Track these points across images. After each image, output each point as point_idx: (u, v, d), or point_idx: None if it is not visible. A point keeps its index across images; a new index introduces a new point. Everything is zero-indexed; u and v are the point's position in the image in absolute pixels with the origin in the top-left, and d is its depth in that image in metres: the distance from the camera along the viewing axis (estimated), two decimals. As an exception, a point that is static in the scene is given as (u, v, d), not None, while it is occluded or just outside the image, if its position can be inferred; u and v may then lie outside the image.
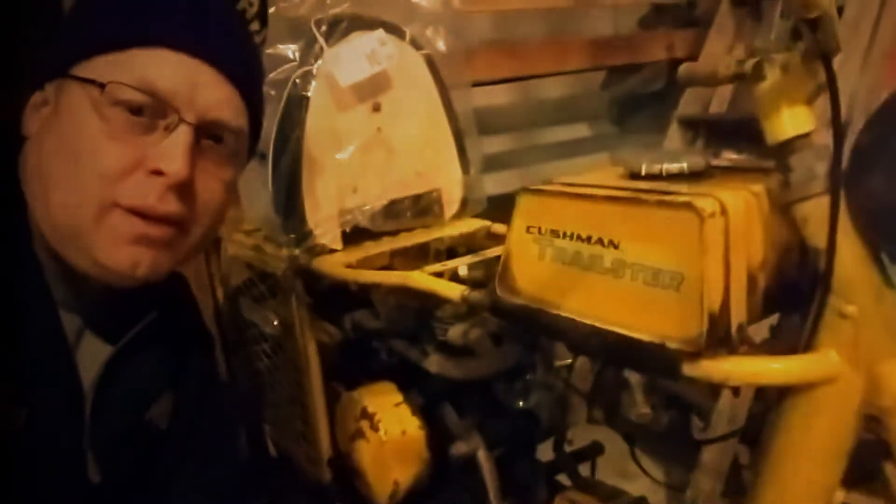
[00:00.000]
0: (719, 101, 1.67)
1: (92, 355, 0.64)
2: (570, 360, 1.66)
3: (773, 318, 0.63)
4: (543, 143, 2.36)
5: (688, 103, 1.75)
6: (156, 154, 0.57)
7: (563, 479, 1.09)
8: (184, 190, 0.59)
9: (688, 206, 0.53)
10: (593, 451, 1.16)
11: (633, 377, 1.82)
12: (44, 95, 0.60)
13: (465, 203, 1.16)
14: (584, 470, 1.13)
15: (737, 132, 0.73)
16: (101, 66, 0.57)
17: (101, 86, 0.56)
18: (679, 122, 1.71)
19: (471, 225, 1.14)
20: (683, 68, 0.70)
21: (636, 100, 2.35)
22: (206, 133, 0.60)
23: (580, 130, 2.46)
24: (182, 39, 0.58)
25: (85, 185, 0.56)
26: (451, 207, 1.15)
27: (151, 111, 0.58)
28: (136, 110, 0.57)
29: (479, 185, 1.17)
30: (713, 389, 1.43)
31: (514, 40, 2.14)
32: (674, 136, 1.61)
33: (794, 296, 0.60)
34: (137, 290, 0.63)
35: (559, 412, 1.05)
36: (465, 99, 1.18)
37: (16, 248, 0.59)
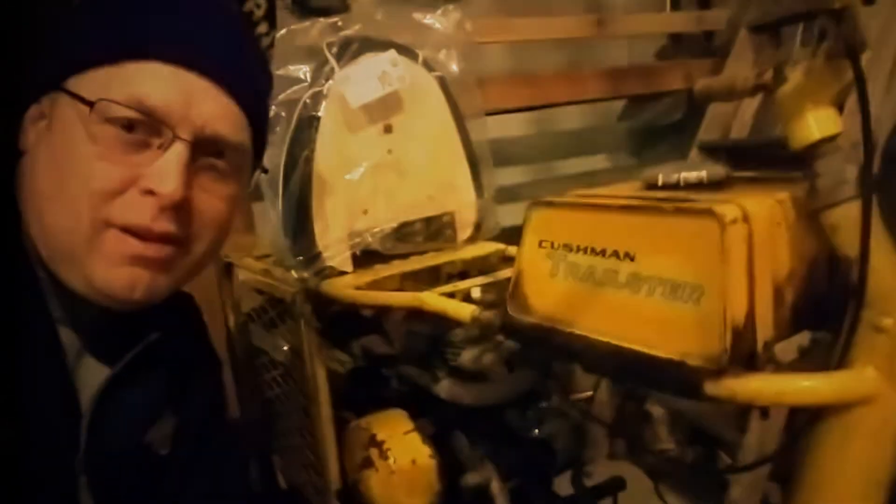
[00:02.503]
0: (740, 126, 1.64)
1: (91, 376, 0.61)
2: (590, 393, 1.62)
3: (802, 338, 0.59)
4: (560, 175, 2.34)
5: (708, 130, 1.72)
6: (149, 174, 0.56)
7: (582, 514, 1.05)
8: (180, 209, 0.57)
9: (708, 212, 0.50)
10: (615, 487, 1.11)
11: (657, 410, 1.77)
12: (40, 109, 0.59)
13: (478, 227, 1.14)
14: (604, 506, 1.08)
15: (759, 157, 0.71)
16: (94, 80, 0.56)
17: (90, 104, 0.55)
18: (700, 148, 1.68)
19: (484, 248, 1.11)
20: (700, 84, 0.68)
21: (654, 131, 2.34)
22: (204, 149, 0.59)
23: (598, 162, 2.44)
24: (175, 51, 0.57)
25: (76, 206, 0.55)
26: (464, 231, 1.13)
27: (144, 128, 0.56)
28: (128, 127, 0.56)
29: (493, 209, 1.15)
30: (739, 420, 1.38)
31: (529, 70, 2.14)
32: (694, 162, 1.57)
33: (823, 312, 0.56)
34: (139, 311, 0.61)
35: (577, 442, 1.01)
36: (480, 127, 1.16)
37: (13, 264, 0.58)
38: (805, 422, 0.52)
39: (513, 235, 1.06)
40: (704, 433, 1.64)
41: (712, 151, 1.73)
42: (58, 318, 0.59)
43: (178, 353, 0.68)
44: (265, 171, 0.71)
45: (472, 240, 1.13)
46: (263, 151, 0.69)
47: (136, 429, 0.64)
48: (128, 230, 0.56)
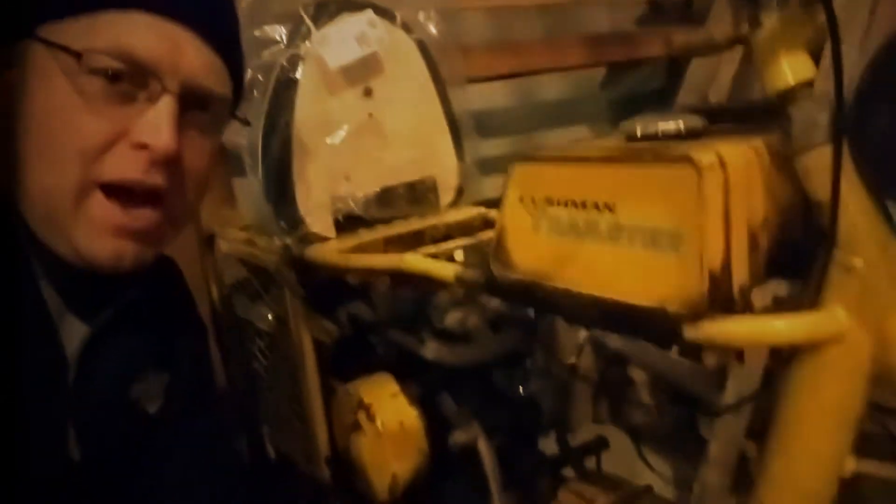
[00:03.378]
0: (717, 90, 1.65)
1: (74, 333, 0.62)
2: (574, 360, 1.64)
3: (776, 286, 0.61)
4: (542, 146, 2.33)
5: (686, 94, 1.73)
6: (140, 126, 0.54)
7: (567, 472, 1.07)
8: (170, 163, 0.56)
9: (685, 159, 0.50)
10: (598, 446, 1.13)
11: (638, 374, 1.80)
12: (6, 56, 0.55)
13: (460, 191, 1.14)
14: (589, 466, 1.10)
15: (737, 120, 0.71)
16: (73, 29, 0.54)
17: (77, 54, 0.53)
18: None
19: (467, 212, 1.12)
20: (680, 39, 0.68)
21: (635, 99, 2.34)
22: (189, 102, 0.57)
23: (580, 132, 2.44)
24: (160, 1, 0.55)
25: (63, 164, 0.53)
26: (446, 195, 1.13)
27: (130, 80, 0.54)
28: (113, 78, 0.54)
29: (475, 174, 1.15)
30: (717, 380, 1.40)
31: (510, 38, 2.12)
32: (672, 113, 1.58)
33: (796, 259, 0.57)
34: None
35: (561, 402, 1.03)
36: (461, 93, 1.16)
37: None
38: (780, 363, 0.53)
39: (496, 206, 1.07)
40: (684, 394, 1.67)
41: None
42: (39, 275, 0.59)
43: (160, 313, 0.68)
44: (247, 123, 0.70)
45: (454, 204, 1.14)
46: (239, 103, 0.67)
47: (120, 384, 0.64)
48: (114, 192, 0.55)
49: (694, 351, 1.60)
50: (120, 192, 0.55)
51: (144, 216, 0.57)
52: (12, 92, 0.55)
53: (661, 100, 2.21)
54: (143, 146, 0.54)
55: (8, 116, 0.55)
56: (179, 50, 0.56)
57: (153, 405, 0.67)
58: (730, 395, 1.32)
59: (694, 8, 2.20)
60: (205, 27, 0.57)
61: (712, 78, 1.76)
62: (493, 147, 2.13)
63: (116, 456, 0.64)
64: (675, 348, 1.64)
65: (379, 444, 0.94)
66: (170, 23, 0.56)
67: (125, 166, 0.55)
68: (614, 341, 1.73)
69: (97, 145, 0.54)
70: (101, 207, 0.55)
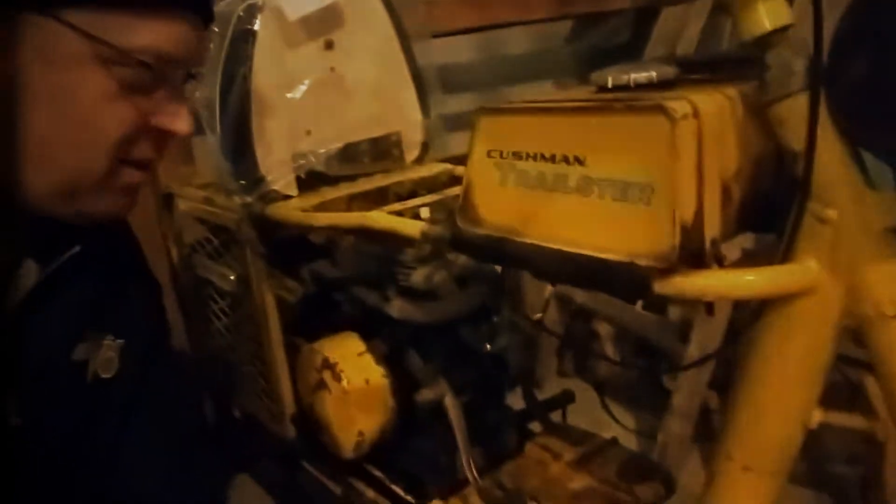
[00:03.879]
0: (686, 43, 1.64)
1: (28, 275, 0.59)
2: (540, 315, 1.64)
3: (747, 240, 0.60)
4: (482, 104, 2.30)
5: (654, 48, 1.71)
6: (164, 113, 0.58)
7: (534, 427, 1.08)
8: None
9: (658, 108, 0.49)
10: (564, 400, 1.14)
11: (604, 328, 1.81)
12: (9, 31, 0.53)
13: (425, 147, 1.12)
14: (555, 420, 1.11)
15: (710, 71, 0.70)
16: (109, 22, 0.53)
17: (121, 50, 0.53)
18: (645, 66, 1.67)
19: (432, 168, 1.10)
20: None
21: (602, 53, 2.32)
22: None
23: (545, 87, 2.42)
24: (193, 2, 0.58)
25: (95, 149, 0.55)
26: (411, 151, 1.11)
27: (160, 70, 0.56)
28: (145, 68, 0.55)
29: (440, 129, 1.13)
30: (681, 332, 1.42)
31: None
32: (644, 63, 1.57)
33: (768, 213, 0.57)
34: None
35: (528, 356, 1.03)
36: (425, 47, 1.13)
37: None
38: (749, 316, 0.53)
39: (463, 162, 1.04)
40: (648, 346, 1.70)
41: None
42: None
43: (111, 268, 0.66)
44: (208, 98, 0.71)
45: (419, 160, 1.11)
46: None
47: (64, 343, 0.62)
48: (138, 164, 0.59)
49: (659, 304, 1.61)
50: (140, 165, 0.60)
51: (143, 176, 0.61)
52: (25, 73, 0.53)
53: (627, 54, 2.19)
54: (166, 133, 0.58)
55: (22, 97, 0.53)
56: (201, 44, 0.61)
57: (108, 370, 0.65)
58: (694, 347, 1.34)
59: (661, -40, 2.17)
60: (210, 17, 0.62)
61: (681, 31, 1.74)
62: (458, 103, 2.10)
63: (65, 422, 0.62)
64: (640, 302, 1.66)
65: (345, 402, 0.93)
66: (197, 19, 0.59)
67: (149, 149, 0.59)
68: (580, 296, 1.74)
69: (129, 133, 0.56)
70: (129, 174, 0.59)
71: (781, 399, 0.53)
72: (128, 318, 0.67)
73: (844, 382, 0.60)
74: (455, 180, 1.07)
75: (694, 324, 1.35)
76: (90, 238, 0.62)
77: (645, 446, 1.43)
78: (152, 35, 0.55)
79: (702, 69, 0.67)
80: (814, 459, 1.23)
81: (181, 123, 0.58)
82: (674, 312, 1.57)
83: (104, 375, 0.65)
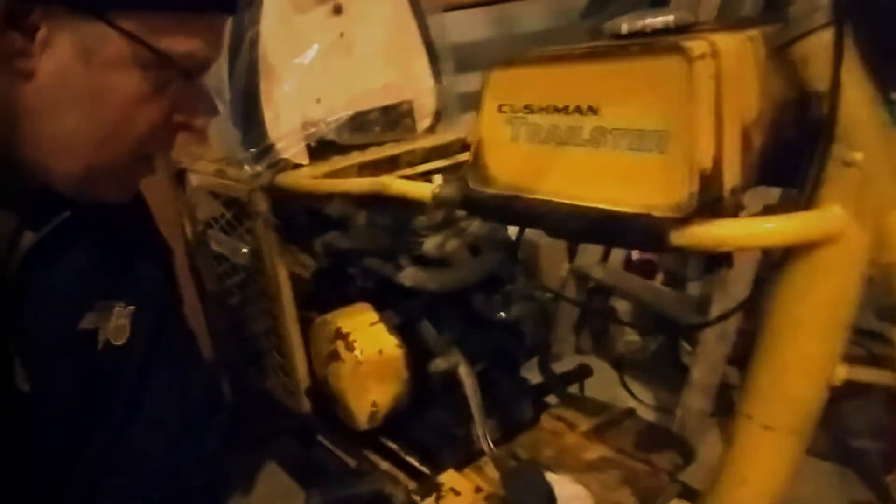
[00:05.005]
0: (706, 12, 1.59)
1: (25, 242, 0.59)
2: (556, 292, 1.61)
3: (768, 198, 0.58)
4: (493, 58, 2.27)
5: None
6: (185, 108, 0.58)
7: (550, 400, 1.06)
8: None
9: (675, 48, 0.47)
10: (581, 374, 1.13)
11: (621, 304, 1.78)
12: (44, 26, 0.52)
13: (438, 115, 1.10)
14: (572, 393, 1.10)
15: None
16: (151, 24, 0.53)
17: (164, 55, 0.53)
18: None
19: (445, 137, 1.08)
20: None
21: (617, 30, 2.28)
22: None
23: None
24: (228, 2, 0.59)
25: (118, 147, 0.56)
26: (423, 120, 1.09)
27: (194, 74, 0.57)
28: (174, 67, 0.55)
29: (453, 96, 1.11)
30: (702, 305, 1.39)
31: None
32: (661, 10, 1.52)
33: (790, 165, 0.55)
34: None
35: (544, 326, 1.01)
36: (438, 21, 1.11)
37: None
38: (772, 266, 0.51)
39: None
40: (666, 322, 1.67)
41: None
42: None
43: (117, 234, 0.65)
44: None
45: (431, 129, 1.10)
46: None
47: (68, 311, 0.61)
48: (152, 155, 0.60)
49: (678, 279, 1.57)
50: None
51: (153, 167, 0.62)
52: (62, 68, 0.53)
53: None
54: (187, 128, 0.59)
55: (54, 90, 0.53)
56: (223, 40, 0.61)
57: (120, 337, 0.64)
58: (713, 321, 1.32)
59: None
60: (234, 8, 0.61)
61: (698, 3, 1.70)
62: (472, 81, 2.08)
63: (76, 390, 0.61)
64: (659, 277, 1.62)
65: (358, 372, 0.92)
66: (226, 15, 0.59)
67: (167, 142, 0.60)
68: (597, 272, 1.71)
69: (152, 131, 0.57)
70: (145, 166, 0.60)
71: (804, 353, 0.51)
72: (138, 283, 0.66)
73: (864, 354, 0.57)
74: (467, 148, 1.05)
75: (713, 298, 1.33)
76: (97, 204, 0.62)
77: (663, 422, 1.41)
78: (191, 39, 0.55)
79: None
80: (836, 433, 1.20)
81: (199, 117, 0.59)
82: (693, 288, 1.55)
83: (116, 343, 0.64)
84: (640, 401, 1.48)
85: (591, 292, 1.77)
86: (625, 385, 1.54)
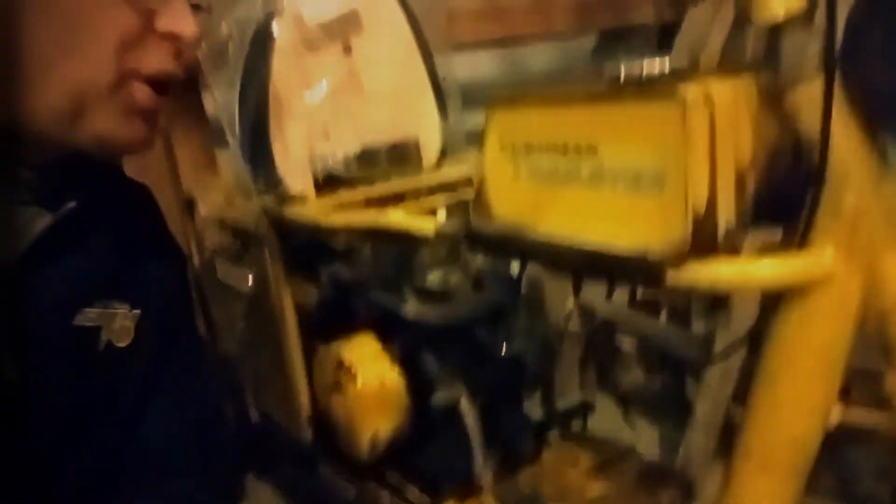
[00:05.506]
0: (709, 57, 1.62)
1: (37, 222, 0.56)
2: (561, 328, 1.61)
3: (762, 234, 0.59)
4: (495, 96, 2.30)
5: (676, 60, 1.70)
6: (166, 17, 0.53)
7: (552, 436, 1.06)
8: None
9: (669, 94, 0.48)
10: (583, 410, 1.13)
11: (626, 342, 1.78)
12: None
13: (444, 152, 1.12)
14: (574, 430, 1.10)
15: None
16: None
17: None
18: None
19: (450, 173, 1.09)
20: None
21: (625, 68, 2.31)
22: None
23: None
24: None
25: (99, 56, 0.51)
26: (429, 156, 1.11)
27: None
28: None
29: (460, 133, 1.13)
30: (706, 343, 1.39)
31: (495, 3, 2.08)
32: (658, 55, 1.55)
33: (783, 206, 0.56)
34: (95, 171, 0.58)
35: (546, 362, 1.02)
36: (446, 60, 1.13)
37: None
38: (767, 307, 0.52)
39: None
40: (671, 360, 1.66)
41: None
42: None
43: (128, 233, 0.63)
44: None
45: (437, 165, 1.11)
46: None
47: (66, 305, 0.59)
48: (151, 80, 0.54)
49: (683, 317, 1.57)
50: (152, 83, 0.55)
51: (161, 102, 0.56)
52: None
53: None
54: (173, 36, 0.54)
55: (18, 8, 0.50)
56: None
57: (123, 339, 0.62)
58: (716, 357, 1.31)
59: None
60: None
61: (703, 43, 1.73)
62: (479, 119, 2.11)
63: (73, 388, 0.59)
64: (663, 315, 1.63)
65: (360, 403, 0.93)
66: None
67: (161, 58, 0.54)
68: (602, 308, 1.72)
69: (132, 36, 0.52)
70: (142, 93, 0.54)
71: (799, 393, 0.52)
72: (146, 287, 0.64)
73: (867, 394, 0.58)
74: (470, 182, 1.06)
75: (716, 336, 1.33)
76: (102, 191, 0.60)
77: (667, 460, 1.40)
78: None
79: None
80: (840, 473, 1.19)
81: (185, 25, 0.53)
82: (698, 326, 1.55)
83: (119, 344, 0.61)
84: (644, 438, 1.48)
85: (596, 328, 1.77)
86: (628, 422, 1.53)
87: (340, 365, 0.94)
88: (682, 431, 1.39)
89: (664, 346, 1.61)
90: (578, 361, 1.77)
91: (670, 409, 1.56)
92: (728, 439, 1.36)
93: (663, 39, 2.20)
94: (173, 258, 0.70)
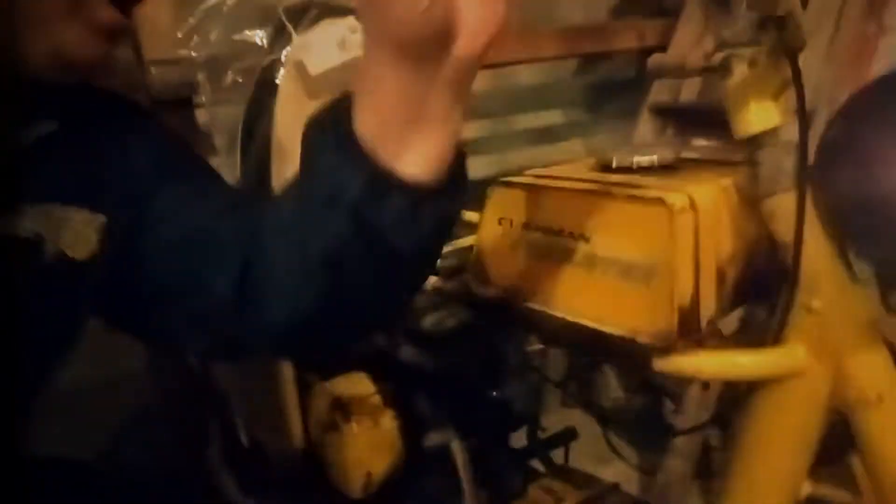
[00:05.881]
0: (689, 89, 1.68)
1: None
2: (542, 345, 1.65)
3: (741, 313, 0.64)
4: (518, 130, 2.35)
5: (658, 91, 1.75)
6: None
7: (537, 465, 1.10)
8: None
9: (658, 201, 0.53)
10: (567, 437, 1.17)
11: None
12: None
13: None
14: (558, 455, 1.14)
15: (706, 120, 0.73)
16: None
17: None
18: (650, 111, 1.72)
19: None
20: (653, 60, 0.70)
21: (609, 87, 2.36)
22: None
23: (554, 117, 2.46)
24: None
25: None
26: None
27: None
28: None
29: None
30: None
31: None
32: (645, 123, 1.61)
33: (761, 287, 0.61)
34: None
35: (533, 400, 1.05)
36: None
37: None
38: (742, 392, 0.57)
39: (474, 190, 1.08)
40: (652, 383, 1.71)
41: (662, 113, 1.76)
42: None
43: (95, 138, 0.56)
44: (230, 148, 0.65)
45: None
46: None
47: None
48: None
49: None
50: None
51: (119, 17, 0.51)
52: None
53: (634, 88, 2.24)
54: None
55: None
56: None
57: (79, 249, 0.53)
58: (695, 386, 1.37)
59: (666, 3, 2.23)
60: None
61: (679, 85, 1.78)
62: (471, 130, 2.14)
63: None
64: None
65: (354, 443, 0.96)
66: None
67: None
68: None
69: None
70: (106, 10, 0.50)
71: (773, 470, 0.57)
72: (119, 184, 0.56)
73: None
74: (464, 226, 1.10)
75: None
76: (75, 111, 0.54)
77: (646, 483, 1.45)
78: None
79: (700, 121, 0.70)
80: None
81: None
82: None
83: (74, 257, 0.52)
84: (625, 461, 1.53)
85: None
86: (609, 443, 1.58)
87: (336, 404, 0.97)
88: (661, 452, 1.44)
89: (643, 371, 1.66)
90: (561, 378, 1.82)
91: (650, 428, 1.61)
92: (705, 463, 1.42)
93: (644, 62, 2.25)
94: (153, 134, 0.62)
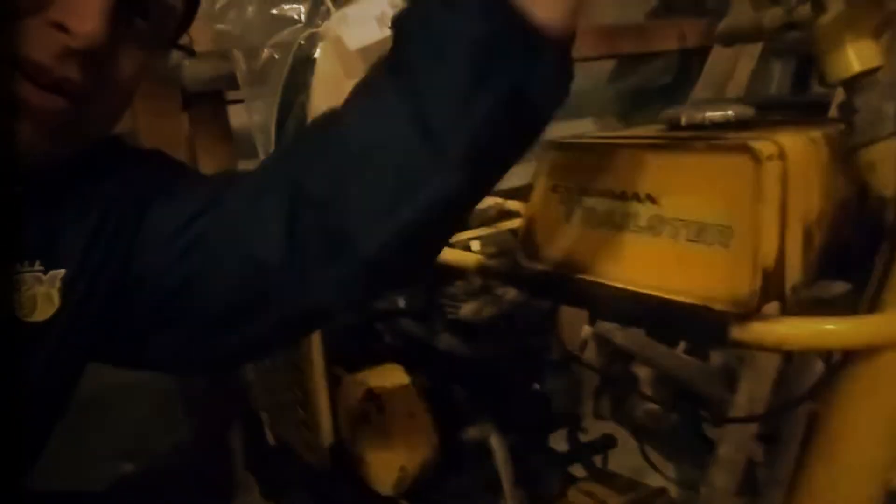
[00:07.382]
0: (735, 88, 1.62)
1: None
2: (577, 353, 1.60)
3: (828, 287, 0.58)
4: (550, 138, 2.32)
5: (703, 90, 1.70)
6: (62, 3, 0.44)
7: (576, 470, 1.04)
8: (90, 58, 0.46)
9: (743, 148, 0.47)
10: (606, 444, 1.11)
11: (643, 371, 1.76)
12: None
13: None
14: (597, 465, 1.08)
15: (784, 112, 0.68)
16: None
17: None
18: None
19: (482, 202, 1.08)
20: (724, 25, 0.65)
21: (643, 93, 2.31)
22: (133, 3, 0.48)
23: (586, 125, 2.42)
24: None
25: None
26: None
27: None
28: None
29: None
30: (726, 379, 1.38)
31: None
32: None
33: (849, 259, 0.55)
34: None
35: (574, 399, 1.00)
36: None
37: None
38: (830, 367, 0.51)
39: (512, 196, 1.04)
40: (690, 393, 1.64)
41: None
42: None
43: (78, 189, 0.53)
44: (192, 53, 0.62)
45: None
46: (187, 27, 0.55)
47: None
48: (24, 69, 0.45)
49: (701, 349, 1.55)
50: (33, 75, 0.46)
51: (49, 99, 0.46)
52: None
53: (669, 94, 2.19)
54: (61, 27, 0.45)
55: None
56: None
57: (35, 312, 0.49)
58: (741, 396, 1.30)
59: (707, 5, 2.18)
60: None
61: (729, 74, 1.73)
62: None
63: None
64: (681, 346, 1.61)
65: (387, 436, 0.91)
66: None
67: (37, 45, 0.45)
68: (619, 337, 1.70)
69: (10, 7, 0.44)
70: (32, 95, 0.45)
71: (863, 457, 0.50)
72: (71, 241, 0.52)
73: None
74: (505, 214, 1.05)
75: (741, 374, 1.31)
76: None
77: (685, 497, 1.38)
78: None
79: (772, 111, 0.65)
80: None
81: (80, 21, 0.44)
82: (715, 358, 1.53)
83: (30, 319, 0.49)
84: (663, 474, 1.46)
85: (612, 357, 1.75)
86: (646, 457, 1.51)
87: (369, 395, 0.93)
88: (698, 466, 1.37)
89: (681, 378, 1.60)
90: (594, 390, 1.76)
91: (687, 442, 1.54)
92: (749, 479, 1.34)
93: (683, 66, 2.20)
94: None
